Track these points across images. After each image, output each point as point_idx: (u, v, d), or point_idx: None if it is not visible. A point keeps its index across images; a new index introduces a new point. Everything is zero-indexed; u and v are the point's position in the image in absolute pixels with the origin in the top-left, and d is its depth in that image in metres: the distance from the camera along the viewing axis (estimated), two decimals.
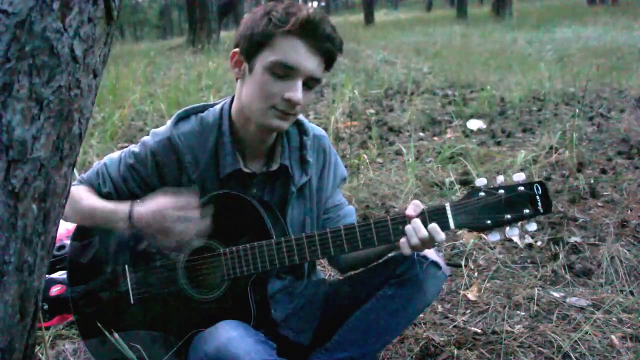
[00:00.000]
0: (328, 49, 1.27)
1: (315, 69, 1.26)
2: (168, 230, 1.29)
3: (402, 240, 1.26)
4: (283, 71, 1.24)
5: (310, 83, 1.29)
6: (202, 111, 1.43)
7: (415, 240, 1.24)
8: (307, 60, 1.24)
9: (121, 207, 1.34)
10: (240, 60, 1.31)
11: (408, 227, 1.25)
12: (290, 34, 1.23)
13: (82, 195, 1.40)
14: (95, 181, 1.44)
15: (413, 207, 1.27)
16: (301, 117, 1.47)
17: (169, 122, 1.41)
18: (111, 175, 1.42)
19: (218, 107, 1.42)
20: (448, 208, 1.27)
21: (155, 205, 1.30)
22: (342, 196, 1.57)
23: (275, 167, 1.41)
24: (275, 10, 1.25)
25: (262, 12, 1.27)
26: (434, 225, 1.24)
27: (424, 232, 1.23)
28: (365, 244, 1.30)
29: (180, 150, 1.37)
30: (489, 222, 1.26)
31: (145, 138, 1.42)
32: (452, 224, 1.26)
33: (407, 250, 1.26)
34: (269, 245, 1.31)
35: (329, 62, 1.31)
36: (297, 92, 1.25)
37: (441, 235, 1.24)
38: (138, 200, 1.34)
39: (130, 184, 1.42)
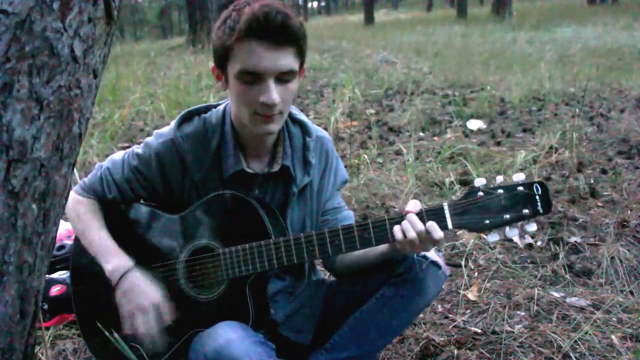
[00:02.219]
0: (287, 39, 1.21)
1: (281, 65, 1.22)
2: (135, 322, 1.32)
3: (398, 235, 1.24)
4: (250, 78, 1.23)
5: (284, 77, 1.25)
6: (206, 112, 1.43)
7: (412, 235, 1.23)
8: (268, 59, 1.21)
9: (119, 263, 1.35)
10: (219, 73, 1.32)
11: (404, 222, 1.24)
12: (243, 39, 1.20)
13: (89, 221, 1.42)
14: (99, 188, 1.44)
15: (412, 206, 1.27)
16: (304, 118, 1.47)
17: (172, 123, 1.41)
18: (115, 179, 1.42)
19: (221, 107, 1.42)
20: (446, 208, 1.26)
21: (146, 291, 1.32)
22: (342, 200, 1.57)
23: (276, 167, 1.41)
24: (229, 17, 1.23)
25: (220, 21, 1.26)
26: (431, 223, 1.23)
27: (420, 226, 1.23)
28: (363, 244, 1.29)
29: (184, 151, 1.37)
30: (487, 222, 1.25)
31: (149, 139, 1.42)
32: (450, 224, 1.26)
33: (401, 246, 1.24)
34: (267, 245, 1.31)
35: (298, 48, 1.25)
36: (270, 93, 1.23)
37: (439, 233, 1.23)
38: (135, 269, 1.35)
39: (135, 186, 1.42)
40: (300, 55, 1.27)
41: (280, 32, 1.19)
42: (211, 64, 1.34)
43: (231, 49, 1.22)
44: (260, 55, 1.20)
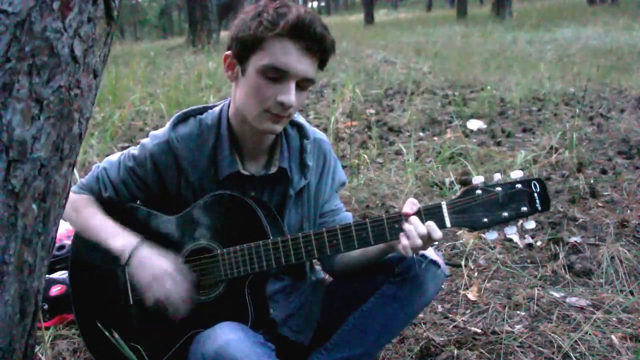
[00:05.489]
0: (320, 49, 1.25)
1: (307, 71, 1.25)
2: (154, 292, 1.31)
3: (402, 236, 1.25)
4: (275, 74, 1.23)
5: (303, 84, 1.28)
6: (202, 113, 1.42)
7: (413, 237, 1.23)
8: (299, 62, 1.23)
9: (127, 240, 1.34)
10: (233, 62, 1.31)
11: (407, 225, 1.25)
12: (280, 37, 1.22)
13: (87, 210, 1.41)
14: (95, 187, 1.44)
15: (410, 205, 1.27)
16: (302, 120, 1.47)
17: (167, 125, 1.40)
18: (111, 179, 1.43)
19: (217, 109, 1.42)
20: (444, 206, 1.26)
21: (158, 262, 1.31)
22: (340, 202, 1.57)
23: (274, 170, 1.41)
24: (266, 12, 1.23)
25: (253, 13, 1.26)
26: (430, 223, 1.24)
27: (422, 229, 1.23)
28: (362, 243, 1.29)
29: (179, 153, 1.37)
30: (485, 220, 1.25)
31: (144, 140, 1.42)
32: (448, 223, 1.26)
33: (405, 246, 1.24)
34: (265, 245, 1.31)
35: (322, 61, 1.30)
36: (290, 95, 1.24)
37: (438, 233, 1.23)
38: (144, 243, 1.34)
39: (131, 187, 1.42)
40: (321, 68, 1.31)
41: (317, 41, 1.24)
42: (211, 63, 1.35)
43: (264, 42, 1.23)
44: (294, 56, 1.22)
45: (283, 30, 1.21)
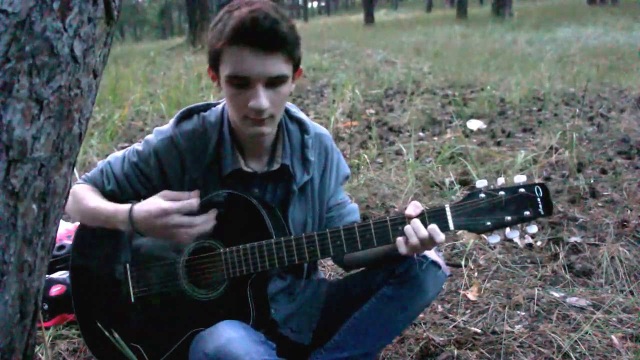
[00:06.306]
0: (275, 44, 1.20)
1: (270, 69, 1.22)
2: (169, 234, 1.30)
3: (400, 240, 1.25)
4: (239, 82, 1.23)
5: (274, 82, 1.24)
6: (205, 110, 1.43)
7: (414, 240, 1.24)
8: (256, 65, 1.20)
9: (121, 209, 1.34)
10: (214, 74, 1.33)
11: (407, 227, 1.25)
12: (231, 45, 1.20)
13: (85, 195, 1.41)
14: (99, 180, 1.45)
15: (413, 208, 1.27)
16: (302, 115, 1.47)
17: (171, 121, 1.41)
18: (115, 173, 1.43)
19: (220, 106, 1.43)
20: (448, 209, 1.26)
21: (155, 208, 1.29)
22: (345, 194, 1.57)
23: (276, 166, 1.41)
24: (220, 21, 1.23)
25: (214, 21, 1.26)
26: (433, 226, 1.24)
27: (423, 232, 1.23)
28: (365, 245, 1.29)
29: (182, 149, 1.38)
30: (489, 223, 1.26)
31: (149, 136, 1.43)
32: (451, 225, 1.26)
33: (404, 250, 1.25)
34: (268, 245, 1.31)
35: (289, 53, 1.24)
36: (258, 99, 1.22)
37: (441, 236, 1.24)
38: (138, 203, 1.34)
39: (133, 182, 1.42)
40: (292, 59, 1.26)
41: (268, 37, 1.18)
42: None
43: (222, 54, 1.23)
44: (248, 60, 1.20)
45: (229, 38, 1.19)
